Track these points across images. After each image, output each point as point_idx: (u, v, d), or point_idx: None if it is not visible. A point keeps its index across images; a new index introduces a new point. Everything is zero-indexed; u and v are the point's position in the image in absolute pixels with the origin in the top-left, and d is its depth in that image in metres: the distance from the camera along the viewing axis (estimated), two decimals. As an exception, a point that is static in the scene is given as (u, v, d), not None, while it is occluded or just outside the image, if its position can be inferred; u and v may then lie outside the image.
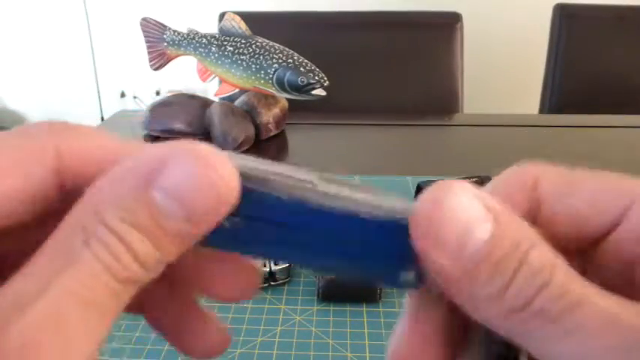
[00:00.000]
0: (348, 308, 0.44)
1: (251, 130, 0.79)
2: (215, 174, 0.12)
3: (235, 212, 0.13)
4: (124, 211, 0.12)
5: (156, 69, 0.83)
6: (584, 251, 0.16)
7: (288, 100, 0.82)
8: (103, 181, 0.13)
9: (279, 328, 0.41)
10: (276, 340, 0.40)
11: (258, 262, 0.16)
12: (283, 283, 0.46)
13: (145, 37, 0.82)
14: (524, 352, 0.14)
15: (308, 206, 0.14)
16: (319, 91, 0.75)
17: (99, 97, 2.25)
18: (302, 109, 0.87)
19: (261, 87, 0.76)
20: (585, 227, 0.16)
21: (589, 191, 0.17)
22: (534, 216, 0.16)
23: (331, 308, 0.44)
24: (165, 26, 0.81)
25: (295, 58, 0.75)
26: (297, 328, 0.41)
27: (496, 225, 0.13)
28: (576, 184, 0.17)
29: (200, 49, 0.79)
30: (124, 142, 0.15)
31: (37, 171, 0.14)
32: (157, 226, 0.12)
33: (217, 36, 0.78)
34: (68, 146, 0.14)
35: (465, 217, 0.13)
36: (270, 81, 0.75)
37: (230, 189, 0.13)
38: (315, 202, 0.14)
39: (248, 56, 0.76)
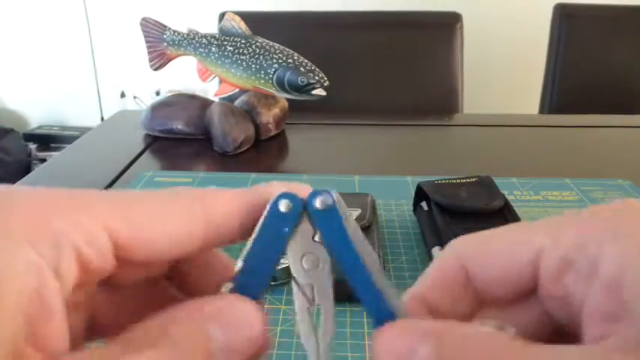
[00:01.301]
0: (347, 308, 0.44)
1: (251, 130, 0.79)
2: (255, 329, 0.17)
3: None
4: (188, 338, 0.16)
5: (156, 69, 0.83)
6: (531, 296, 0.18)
7: (288, 100, 0.82)
8: (175, 312, 0.16)
9: (279, 328, 0.41)
10: (276, 340, 0.40)
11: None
12: (283, 284, 0.46)
13: (144, 37, 0.82)
14: None
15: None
16: (319, 91, 0.74)
17: (99, 97, 2.25)
18: (302, 109, 0.87)
19: (261, 87, 0.76)
20: (513, 287, 0.18)
21: (499, 257, 0.18)
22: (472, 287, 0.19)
23: (331, 308, 0.44)
24: (165, 26, 0.81)
25: (295, 58, 0.75)
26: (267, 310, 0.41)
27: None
28: (490, 253, 0.19)
29: (200, 49, 0.79)
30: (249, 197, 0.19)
31: (190, 223, 0.17)
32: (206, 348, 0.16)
33: (217, 36, 0.78)
34: (211, 207, 0.18)
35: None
36: (270, 81, 0.75)
37: (262, 348, 0.17)
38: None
39: (248, 56, 0.75)
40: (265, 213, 0.19)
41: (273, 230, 0.19)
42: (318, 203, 0.19)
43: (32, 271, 0.14)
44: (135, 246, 0.16)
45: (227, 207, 0.18)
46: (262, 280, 0.18)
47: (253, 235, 0.18)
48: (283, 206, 0.19)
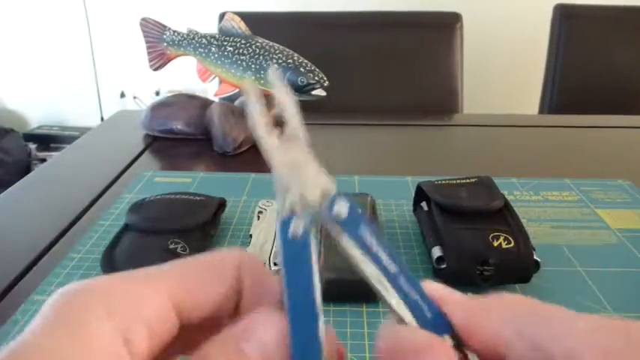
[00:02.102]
0: (347, 308, 0.44)
1: (251, 131, 0.79)
2: (278, 329, 0.18)
3: None
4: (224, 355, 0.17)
5: (156, 69, 0.83)
6: None
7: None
8: (210, 343, 0.17)
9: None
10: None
11: None
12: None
13: (144, 37, 0.82)
14: None
15: None
16: (319, 91, 0.74)
17: (99, 97, 2.25)
18: (302, 109, 0.87)
19: (261, 87, 0.76)
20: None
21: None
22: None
23: (331, 308, 0.44)
24: (165, 26, 0.81)
25: (295, 58, 0.75)
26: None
27: None
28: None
29: (200, 49, 0.79)
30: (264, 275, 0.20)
31: (228, 284, 0.19)
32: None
33: (217, 36, 0.78)
34: (245, 275, 0.20)
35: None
36: (270, 81, 0.75)
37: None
38: None
39: (248, 56, 0.75)
40: (280, 246, 0.19)
41: (297, 259, 0.19)
42: (339, 210, 0.19)
43: (106, 341, 0.16)
44: (191, 307, 0.18)
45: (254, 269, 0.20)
46: (310, 311, 0.18)
47: (281, 273, 0.19)
48: (293, 230, 0.19)
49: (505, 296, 0.18)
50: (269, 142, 0.21)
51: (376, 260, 0.18)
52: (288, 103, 0.21)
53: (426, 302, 0.18)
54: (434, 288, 0.19)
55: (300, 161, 0.20)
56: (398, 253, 0.19)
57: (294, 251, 0.19)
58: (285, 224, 0.19)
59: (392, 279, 0.18)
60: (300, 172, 0.20)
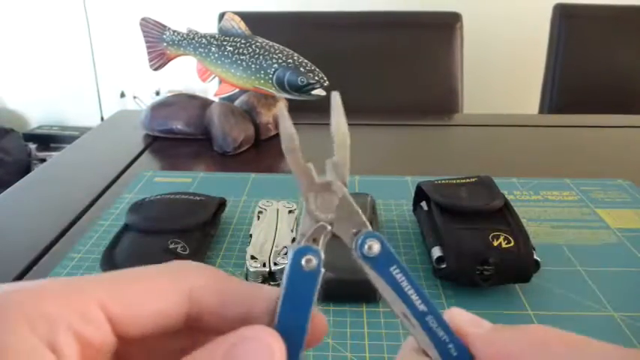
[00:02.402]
0: (347, 308, 0.44)
1: (251, 130, 0.79)
2: (273, 348, 0.17)
3: None
4: None
5: (155, 69, 0.83)
6: None
7: (288, 100, 0.82)
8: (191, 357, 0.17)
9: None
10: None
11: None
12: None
13: (144, 37, 0.82)
14: None
15: None
16: (319, 91, 0.74)
17: (99, 97, 2.25)
18: (302, 109, 0.87)
19: (261, 87, 0.76)
20: None
21: None
22: None
23: (331, 308, 0.44)
24: (164, 26, 0.81)
25: (295, 58, 0.75)
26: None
27: None
28: None
29: (200, 49, 0.79)
30: (236, 281, 0.20)
31: (176, 298, 0.19)
32: None
33: (217, 36, 0.78)
34: (198, 282, 0.19)
35: None
36: (270, 81, 0.75)
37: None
38: None
39: (248, 56, 0.75)
40: (287, 271, 0.19)
41: (301, 291, 0.19)
42: (371, 248, 0.20)
43: (30, 351, 0.15)
44: (127, 322, 0.18)
45: (206, 283, 0.19)
46: (299, 340, 0.19)
47: (280, 297, 0.19)
48: (305, 263, 0.19)
49: (530, 329, 0.18)
50: (304, 169, 0.21)
51: (404, 298, 0.19)
52: (342, 132, 0.22)
53: (452, 340, 0.19)
54: (458, 317, 0.20)
55: (338, 195, 0.21)
56: (427, 294, 0.20)
57: (300, 280, 0.19)
58: (300, 252, 0.19)
59: (419, 317, 0.19)
60: (336, 208, 0.21)
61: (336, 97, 0.21)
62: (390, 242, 0.54)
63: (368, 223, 0.20)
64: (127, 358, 0.19)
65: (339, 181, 0.21)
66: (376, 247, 0.19)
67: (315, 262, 0.19)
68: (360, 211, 0.21)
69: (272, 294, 0.19)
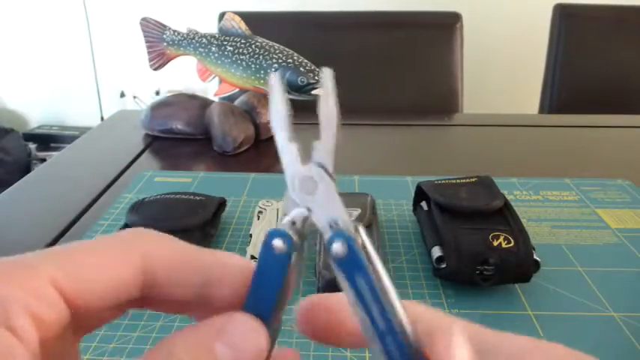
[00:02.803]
0: (347, 308, 0.43)
1: (251, 130, 0.79)
2: (260, 341, 0.18)
3: None
4: (194, 356, 0.17)
5: (155, 69, 0.83)
6: None
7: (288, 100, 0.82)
8: (179, 335, 0.17)
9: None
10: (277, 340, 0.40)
11: None
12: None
13: (144, 36, 0.82)
14: None
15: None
16: (319, 91, 0.74)
17: (99, 97, 2.25)
18: (302, 109, 0.87)
19: (261, 87, 0.76)
20: None
21: None
22: None
23: (331, 308, 0.44)
24: (165, 26, 0.81)
25: (295, 58, 0.75)
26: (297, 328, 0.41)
27: None
28: None
29: (200, 49, 0.79)
30: (195, 249, 0.20)
31: (128, 269, 0.18)
32: None
33: (217, 36, 0.78)
34: (151, 252, 0.19)
35: None
36: (270, 81, 0.75)
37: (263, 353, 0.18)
38: None
39: (248, 56, 0.75)
40: (260, 253, 0.18)
41: (270, 272, 0.19)
42: (337, 249, 0.18)
43: None
44: (81, 296, 0.17)
45: (160, 251, 0.19)
46: (266, 319, 0.18)
47: (252, 280, 0.19)
48: (276, 245, 0.18)
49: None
50: (288, 149, 0.20)
51: (366, 310, 0.18)
52: (332, 120, 0.19)
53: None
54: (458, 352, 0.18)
55: (318, 181, 0.19)
56: (391, 312, 0.18)
57: (270, 263, 0.18)
58: (272, 235, 0.18)
59: (379, 334, 0.17)
60: (315, 194, 0.19)
61: (327, 73, 0.19)
62: (390, 242, 0.54)
63: (346, 216, 0.18)
64: (85, 327, 0.19)
65: (323, 166, 0.19)
66: (341, 250, 0.18)
67: (283, 245, 0.18)
68: (340, 201, 0.18)
69: (237, 266, 0.19)
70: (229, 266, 0.19)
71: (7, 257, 0.17)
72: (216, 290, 0.19)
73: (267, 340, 0.18)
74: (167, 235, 0.20)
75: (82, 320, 0.18)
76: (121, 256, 0.18)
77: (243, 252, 0.51)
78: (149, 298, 0.19)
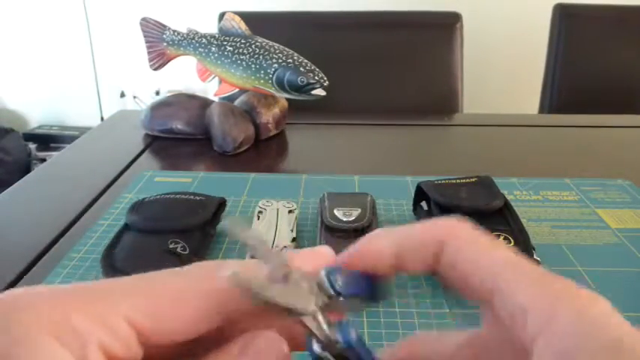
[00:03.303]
0: (347, 308, 0.43)
1: (251, 130, 0.79)
2: (280, 349, 0.18)
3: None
4: None
5: (155, 69, 0.83)
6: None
7: (288, 100, 0.82)
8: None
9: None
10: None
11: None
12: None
13: (144, 37, 0.82)
14: None
15: None
16: (319, 91, 0.74)
17: (99, 97, 2.25)
18: (302, 109, 0.87)
19: (260, 87, 0.76)
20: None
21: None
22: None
23: (331, 308, 0.44)
24: (164, 26, 0.81)
25: (295, 58, 0.75)
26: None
27: None
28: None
29: (200, 49, 0.79)
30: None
31: (206, 307, 0.18)
32: None
33: (217, 36, 0.78)
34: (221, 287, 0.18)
35: None
36: (270, 81, 0.75)
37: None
38: None
39: (248, 56, 0.75)
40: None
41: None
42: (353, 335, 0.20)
43: None
44: (156, 334, 0.17)
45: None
46: None
47: None
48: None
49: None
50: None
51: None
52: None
53: None
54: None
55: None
56: None
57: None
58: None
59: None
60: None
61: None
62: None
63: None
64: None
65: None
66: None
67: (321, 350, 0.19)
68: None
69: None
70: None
71: (85, 282, 0.17)
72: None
73: (288, 352, 0.18)
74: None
75: (154, 356, 0.18)
76: (198, 291, 0.18)
77: (242, 252, 0.51)
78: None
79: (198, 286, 0.18)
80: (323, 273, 0.20)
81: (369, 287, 0.21)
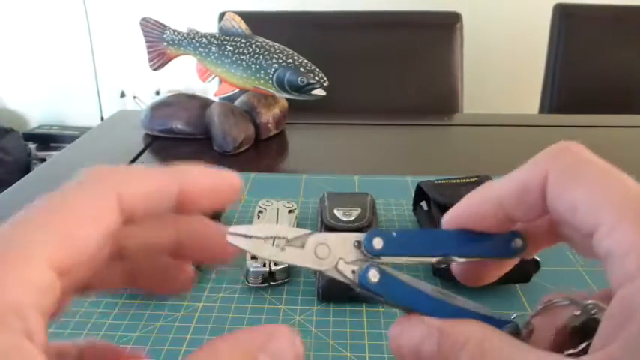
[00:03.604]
0: (347, 308, 0.44)
1: (251, 130, 0.79)
2: (299, 348, 0.19)
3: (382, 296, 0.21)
4: None
5: (156, 69, 0.83)
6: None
7: (288, 100, 0.82)
8: (223, 340, 0.18)
9: (279, 328, 0.41)
10: (276, 340, 0.40)
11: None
12: (283, 283, 0.46)
13: (144, 36, 0.82)
14: None
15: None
16: (319, 91, 0.74)
17: (99, 97, 2.25)
18: (302, 109, 0.87)
19: (260, 87, 0.76)
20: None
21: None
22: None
23: (331, 308, 0.44)
24: (165, 26, 0.81)
25: (295, 58, 0.75)
26: (296, 328, 0.41)
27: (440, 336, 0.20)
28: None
29: (200, 49, 0.79)
30: (170, 172, 0.22)
31: (108, 217, 0.18)
32: None
33: (217, 36, 0.78)
34: (127, 190, 0.20)
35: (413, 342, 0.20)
36: (270, 81, 0.75)
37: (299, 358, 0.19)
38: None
39: (248, 56, 0.75)
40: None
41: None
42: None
43: (11, 349, 0.14)
44: (74, 263, 0.17)
45: (137, 193, 0.20)
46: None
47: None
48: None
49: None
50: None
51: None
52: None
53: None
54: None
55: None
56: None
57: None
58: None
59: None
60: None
61: None
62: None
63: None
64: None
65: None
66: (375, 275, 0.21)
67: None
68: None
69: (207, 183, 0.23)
70: (200, 183, 0.21)
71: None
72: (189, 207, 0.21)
73: (302, 354, 0.19)
74: (132, 168, 0.20)
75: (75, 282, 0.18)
76: (102, 209, 0.18)
77: (243, 252, 0.51)
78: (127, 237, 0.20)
79: (102, 203, 0.19)
80: (363, 235, 0.22)
81: (491, 245, 0.22)
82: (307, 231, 0.22)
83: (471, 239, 0.21)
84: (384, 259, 0.21)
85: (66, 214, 0.18)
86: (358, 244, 0.22)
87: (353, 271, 0.21)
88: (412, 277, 0.21)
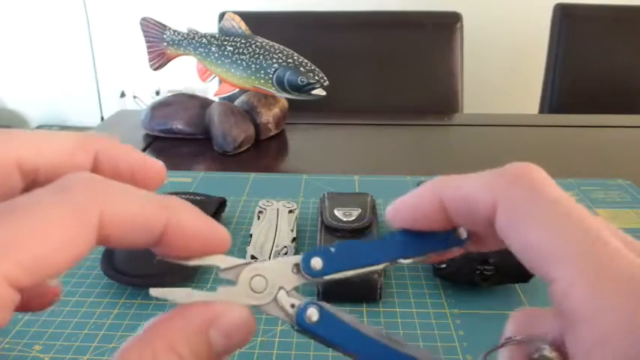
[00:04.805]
0: (348, 308, 0.44)
1: (251, 130, 0.79)
2: (252, 324, 0.19)
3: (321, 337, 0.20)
4: (191, 344, 0.17)
5: (156, 69, 0.83)
6: None
7: (288, 100, 0.82)
8: (172, 319, 0.18)
9: (279, 328, 0.41)
10: (276, 340, 0.40)
11: None
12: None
13: (144, 36, 0.82)
14: None
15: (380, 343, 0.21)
16: (319, 91, 0.74)
17: (99, 97, 2.25)
18: (302, 109, 0.87)
19: (261, 87, 0.76)
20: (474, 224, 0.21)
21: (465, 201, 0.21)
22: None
23: (331, 308, 0.44)
24: (165, 26, 0.81)
25: (295, 58, 0.75)
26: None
27: None
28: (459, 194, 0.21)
29: (200, 49, 0.79)
30: (148, 205, 0.19)
31: (82, 245, 0.16)
32: (209, 353, 0.18)
33: (217, 36, 0.78)
34: (110, 212, 0.17)
35: None
36: (270, 81, 0.75)
37: (251, 334, 0.19)
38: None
39: (248, 56, 0.75)
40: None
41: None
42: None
43: None
44: (35, 281, 0.16)
45: (118, 217, 0.18)
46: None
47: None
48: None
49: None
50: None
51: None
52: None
53: None
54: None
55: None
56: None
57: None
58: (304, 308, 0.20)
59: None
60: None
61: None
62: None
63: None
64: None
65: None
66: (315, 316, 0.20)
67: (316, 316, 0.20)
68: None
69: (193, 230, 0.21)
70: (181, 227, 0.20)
71: None
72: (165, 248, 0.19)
73: (255, 329, 0.19)
74: (118, 185, 0.19)
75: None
76: (78, 236, 0.16)
77: (243, 252, 0.51)
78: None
79: (79, 229, 0.17)
80: (300, 257, 0.20)
81: (435, 241, 0.21)
82: (243, 260, 0.21)
83: (415, 238, 0.21)
84: (328, 277, 0.20)
85: (37, 234, 0.16)
86: (297, 269, 0.20)
87: (292, 305, 0.20)
88: (355, 319, 0.20)
